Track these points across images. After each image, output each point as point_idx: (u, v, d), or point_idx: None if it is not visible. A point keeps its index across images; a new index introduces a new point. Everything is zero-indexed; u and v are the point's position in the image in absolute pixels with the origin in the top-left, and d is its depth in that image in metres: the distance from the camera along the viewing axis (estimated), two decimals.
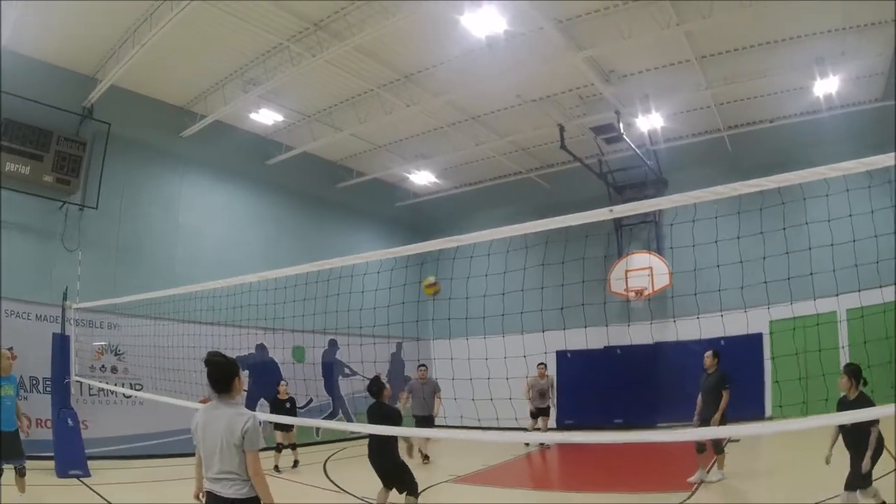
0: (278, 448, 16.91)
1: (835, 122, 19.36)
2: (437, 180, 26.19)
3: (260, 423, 5.97)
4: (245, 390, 19.38)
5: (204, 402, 7.47)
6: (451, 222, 28.26)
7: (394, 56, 17.42)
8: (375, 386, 10.44)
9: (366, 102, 19.88)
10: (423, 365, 18.54)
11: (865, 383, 9.04)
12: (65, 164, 17.71)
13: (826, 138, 19.44)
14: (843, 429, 9.00)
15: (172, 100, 20.31)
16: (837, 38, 16.05)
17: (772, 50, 16.62)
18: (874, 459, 8.58)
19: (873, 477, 8.68)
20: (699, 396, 13.42)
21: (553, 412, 20.60)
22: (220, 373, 5.88)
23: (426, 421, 17.55)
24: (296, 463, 17.30)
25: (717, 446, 13.14)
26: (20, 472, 11.04)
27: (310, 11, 15.49)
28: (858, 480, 8.71)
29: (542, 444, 19.72)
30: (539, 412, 19.97)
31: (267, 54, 17.35)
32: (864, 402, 8.76)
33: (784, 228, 9.80)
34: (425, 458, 17.35)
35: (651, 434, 6.17)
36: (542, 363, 19.34)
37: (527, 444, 19.56)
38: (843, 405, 9.00)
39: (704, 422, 12.85)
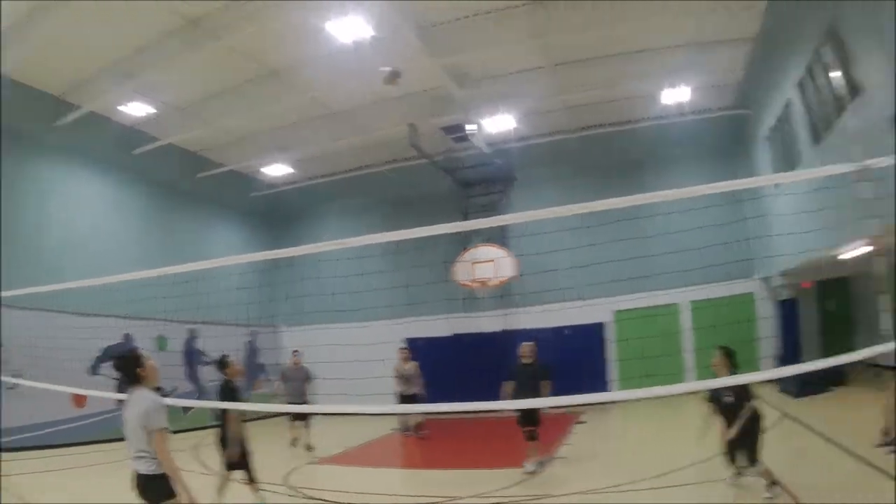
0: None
1: (683, 127, 21.13)
2: (292, 171, 26.51)
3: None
4: (114, 377, 19.56)
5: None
6: (304, 212, 28.86)
7: (263, 54, 17.90)
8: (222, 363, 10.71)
9: (232, 96, 20.21)
10: (297, 351, 18.34)
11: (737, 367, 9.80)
12: None
13: (672, 142, 20.90)
14: (722, 408, 9.78)
15: (49, 88, 19.79)
16: (689, 51, 17.45)
17: (625, 60, 17.90)
18: (753, 435, 9.44)
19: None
20: (513, 385, 13.48)
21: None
22: (125, 368, 6.73)
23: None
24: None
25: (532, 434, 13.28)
26: None
27: (187, 9, 15.68)
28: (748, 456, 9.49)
29: (410, 431, 19.10)
30: (405, 399, 18.24)
31: (143, 48, 17.36)
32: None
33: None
34: (308, 448, 17.24)
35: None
36: (403, 347, 19.03)
37: (400, 430, 19.49)
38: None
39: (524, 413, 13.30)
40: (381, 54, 16.66)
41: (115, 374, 16.72)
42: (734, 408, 9.53)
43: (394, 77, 16.72)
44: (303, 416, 17.49)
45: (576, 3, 15.26)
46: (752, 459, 9.39)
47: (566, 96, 19.14)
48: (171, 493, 6.33)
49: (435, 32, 16.48)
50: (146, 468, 6.33)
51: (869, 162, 5.16)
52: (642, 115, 21.10)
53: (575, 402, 6.23)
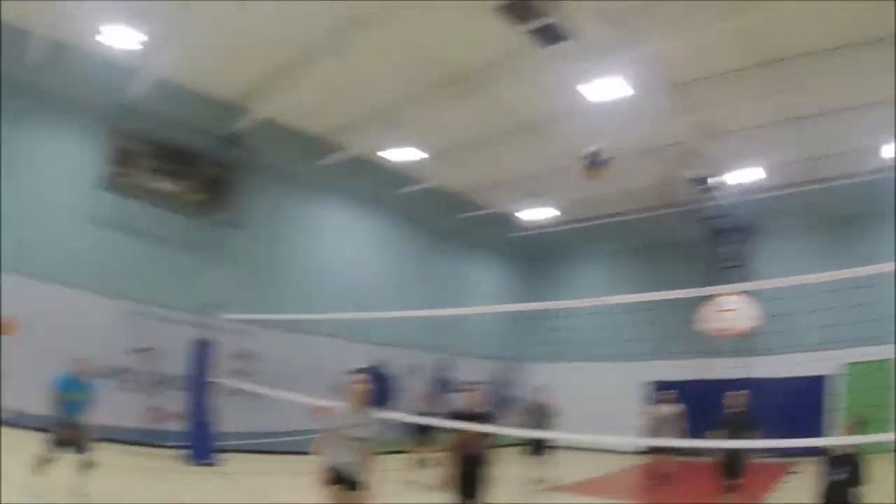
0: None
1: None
2: (550, 216, 27.58)
3: None
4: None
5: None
6: (560, 254, 29.75)
7: (521, 106, 19.13)
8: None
9: (494, 144, 21.50)
10: (539, 387, 18.47)
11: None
12: (215, 185, 20.09)
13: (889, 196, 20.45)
14: None
15: (315, 131, 22.03)
16: None
17: (857, 113, 17.77)
18: None
19: None
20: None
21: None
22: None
23: (538, 444, 17.47)
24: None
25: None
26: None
27: (450, 63, 17.25)
28: None
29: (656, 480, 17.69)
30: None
31: (407, 97, 18.96)
32: None
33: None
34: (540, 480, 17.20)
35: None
36: (665, 390, 18.24)
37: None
38: None
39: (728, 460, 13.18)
40: (636, 110, 17.61)
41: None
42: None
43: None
44: (540, 451, 17.47)
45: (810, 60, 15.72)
46: None
47: (807, 150, 19.25)
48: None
49: (685, 90, 17.25)
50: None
51: None
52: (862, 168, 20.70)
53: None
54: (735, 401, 13.75)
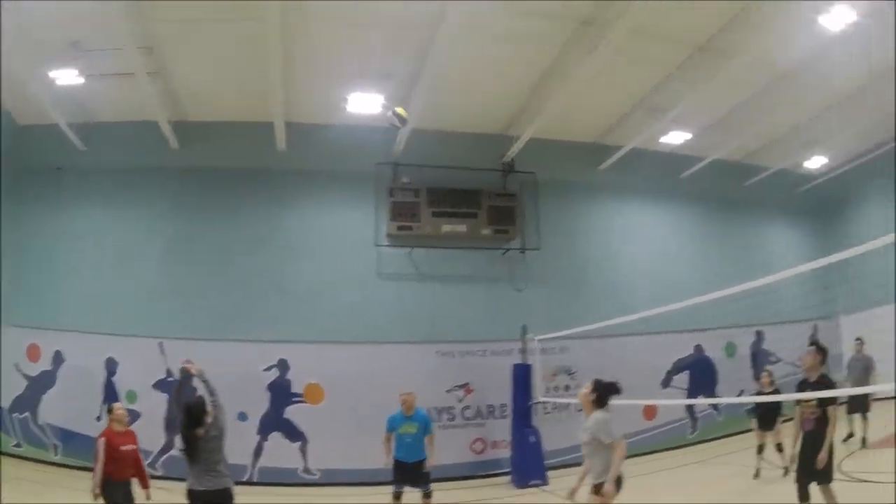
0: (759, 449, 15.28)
1: None
2: (827, 161, 26.48)
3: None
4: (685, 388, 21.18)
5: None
6: (847, 197, 28.51)
7: (771, 61, 18.49)
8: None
9: (756, 102, 21.00)
10: (859, 338, 18.39)
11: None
12: (499, 216, 20.73)
13: None
14: None
15: (584, 138, 22.57)
16: None
17: None
18: None
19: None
20: None
21: None
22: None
23: (859, 400, 16.91)
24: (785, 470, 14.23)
25: None
26: (426, 495, 12.81)
27: (691, 38, 17.11)
28: None
29: None
30: None
31: (662, 83, 19.09)
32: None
33: None
34: (863, 441, 17.08)
35: None
36: None
37: None
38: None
39: None
40: (868, 35, 16.59)
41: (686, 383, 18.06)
42: None
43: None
44: (863, 410, 17.07)
45: None
46: None
47: None
48: None
49: None
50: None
51: None
52: None
53: None
54: None
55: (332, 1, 13.76)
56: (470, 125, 20.60)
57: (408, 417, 12.91)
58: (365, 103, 17.27)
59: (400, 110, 14.68)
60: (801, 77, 19.38)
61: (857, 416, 17.20)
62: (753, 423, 15.80)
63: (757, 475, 14.76)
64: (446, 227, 19.93)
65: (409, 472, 12.70)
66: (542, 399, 18.50)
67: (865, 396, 16.70)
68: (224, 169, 18.47)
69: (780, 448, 14.70)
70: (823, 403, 9.10)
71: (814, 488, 9.25)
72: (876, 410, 17.02)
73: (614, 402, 8.82)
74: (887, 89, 20.15)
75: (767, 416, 15.10)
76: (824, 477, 8.96)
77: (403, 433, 12.85)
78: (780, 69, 19.13)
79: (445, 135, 20.33)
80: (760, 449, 15.06)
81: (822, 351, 9.51)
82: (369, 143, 19.31)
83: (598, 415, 8.61)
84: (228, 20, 13.96)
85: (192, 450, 8.32)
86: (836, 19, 15.66)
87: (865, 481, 12.32)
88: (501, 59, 16.86)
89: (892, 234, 7.69)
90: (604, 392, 8.83)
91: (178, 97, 17.55)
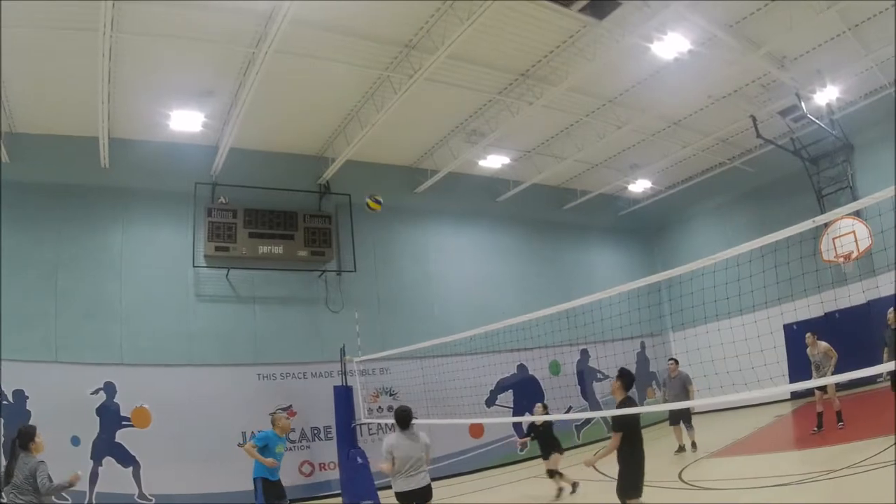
0: (550, 474, 15.59)
1: None
2: (651, 185, 27.70)
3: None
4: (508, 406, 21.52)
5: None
6: (669, 220, 29.83)
7: (595, 87, 19.16)
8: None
9: (579, 130, 21.81)
10: (673, 359, 19.46)
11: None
12: (315, 237, 20.64)
13: None
14: None
15: (401, 161, 23.07)
16: None
17: None
18: None
19: None
20: (885, 351, 14.71)
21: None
22: (405, 415, 10.60)
23: (682, 413, 18.44)
24: (573, 486, 15.27)
25: None
26: None
27: (514, 65, 17.49)
28: None
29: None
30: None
31: (483, 108, 19.54)
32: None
33: None
34: (693, 445, 18.32)
35: None
36: (810, 332, 17.32)
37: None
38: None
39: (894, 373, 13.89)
40: (703, 60, 17.55)
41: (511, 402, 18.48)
42: None
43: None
44: (685, 420, 18.46)
45: None
46: None
47: (872, 53, 18.75)
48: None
49: (742, 27, 16.93)
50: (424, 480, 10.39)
51: None
52: None
53: None
54: (891, 317, 14.93)
55: (158, 12, 13.43)
56: (288, 146, 20.70)
57: (280, 438, 13.31)
58: (187, 120, 17.24)
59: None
60: (628, 103, 20.16)
61: (682, 428, 18.46)
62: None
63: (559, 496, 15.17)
64: (263, 249, 19.72)
65: (280, 488, 13.12)
66: (364, 420, 18.49)
67: (688, 410, 18.41)
68: (51, 184, 17.61)
69: (551, 475, 15.38)
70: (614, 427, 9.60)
71: None
72: (703, 422, 17.90)
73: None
74: (718, 116, 21.09)
75: (543, 444, 15.82)
76: (623, 494, 9.39)
77: (279, 452, 13.11)
78: (606, 95, 19.77)
79: (264, 155, 20.38)
80: (550, 474, 15.48)
81: (624, 376, 9.90)
82: (190, 162, 19.09)
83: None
84: (55, 28, 13.43)
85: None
86: (669, 48, 16.35)
87: (708, 489, 13.01)
88: (322, 80, 16.95)
89: (713, 258, 8.15)
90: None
91: (9, 108, 16.80)
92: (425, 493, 10.42)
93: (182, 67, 15.48)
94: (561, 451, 15.58)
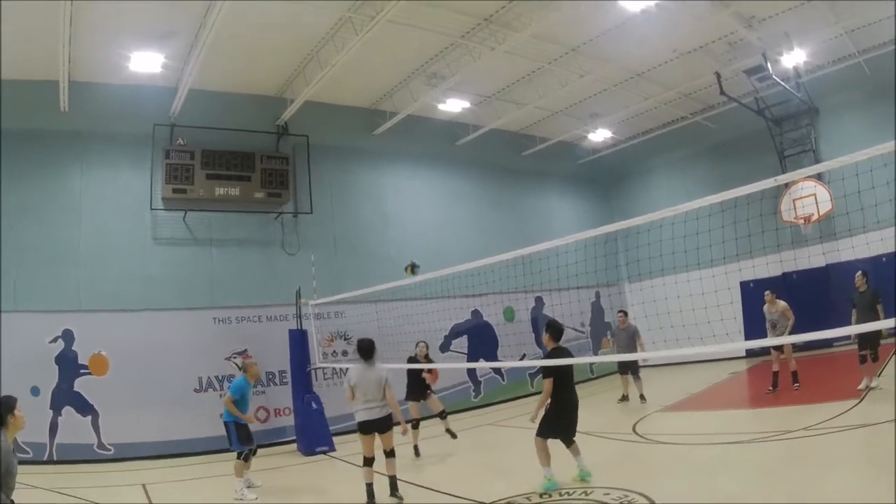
0: (414, 424, 15.22)
1: None
2: (612, 135, 28.03)
3: None
4: (463, 352, 21.73)
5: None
6: (629, 171, 30.09)
7: (560, 34, 19.15)
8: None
9: (541, 77, 21.82)
10: (623, 311, 19.97)
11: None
12: (272, 179, 20.65)
13: None
14: None
15: (360, 103, 22.96)
16: None
17: None
18: None
19: None
20: (853, 313, 15.16)
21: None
22: (367, 347, 11.12)
23: (630, 363, 19.02)
24: (451, 434, 15.41)
25: (874, 355, 14.55)
26: (252, 453, 13.33)
27: (477, 8, 17.39)
28: None
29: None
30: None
31: (445, 51, 19.45)
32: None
33: None
34: (641, 397, 18.77)
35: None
36: (768, 289, 17.47)
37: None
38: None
39: (862, 336, 14.33)
40: (670, 13, 17.57)
41: (466, 348, 18.71)
42: None
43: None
44: (633, 371, 18.96)
45: None
46: None
47: (844, 22, 18.93)
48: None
49: None
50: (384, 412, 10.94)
51: None
52: None
53: None
54: (859, 281, 15.35)
55: None
56: (247, 87, 20.57)
57: (251, 384, 13.70)
58: (147, 62, 17.12)
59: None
60: (592, 53, 20.19)
61: (630, 378, 19.06)
62: None
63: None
64: (220, 191, 19.68)
65: (249, 432, 13.30)
66: (319, 365, 18.66)
67: (635, 361, 18.73)
68: (9, 130, 17.24)
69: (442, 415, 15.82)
70: (543, 374, 10.67)
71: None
72: (657, 375, 18.21)
73: (390, 366, 11.39)
74: (682, 70, 21.20)
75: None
76: (539, 432, 10.55)
77: (249, 398, 13.64)
78: (570, 44, 19.82)
79: (222, 95, 20.21)
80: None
81: (552, 327, 10.95)
82: (149, 104, 18.92)
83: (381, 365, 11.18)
84: None
85: None
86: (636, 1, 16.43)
87: (661, 443, 13.32)
88: (281, 20, 16.81)
89: (671, 209, 8.30)
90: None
91: None
92: (384, 423, 10.95)
93: (143, 8, 15.27)
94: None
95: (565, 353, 10.81)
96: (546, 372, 10.50)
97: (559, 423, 10.39)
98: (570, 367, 10.57)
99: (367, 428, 10.91)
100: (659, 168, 29.63)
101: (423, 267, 16.74)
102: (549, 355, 10.80)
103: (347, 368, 11.97)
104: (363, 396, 10.88)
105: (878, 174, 9.43)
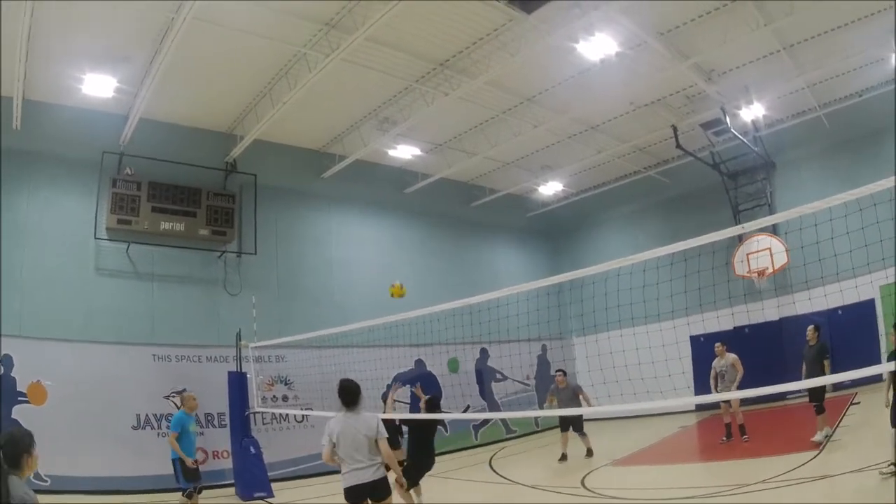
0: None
1: None
2: (563, 188, 28.18)
3: None
4: (404, 402, 21.52)
5: None
6: (579, 224, 30.24)
7: (516, 83, 19.38)
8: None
9: (494, 126, 22.02)
10: (561, 370, 19.43)
11: None
12: (217, 217, 20.53)
13: None
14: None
15: (310, 144, 23.01)
16: None
17: (851, 29, 17.66)
18: None
19: None
20: (803, 367, 15.11)
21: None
22: (351, 389, 8.57)
23: (573, 421, 18.67)
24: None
25: (820, 407, 14.58)
26: (198, 492, 13.40)
27: (434, 53, 17.53)
28: None
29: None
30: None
31: (398, 95, 19.53)
32: None
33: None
34: (588, 451, 18.46)
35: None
36: (718, 342, 17.67)
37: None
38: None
39: (809, 389, 14.42)
40: (629, 65, 17.84)
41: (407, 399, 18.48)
42: None
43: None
44: (577, 428, 18.58)
45: None
46: None
47: (805, 75, 19.17)
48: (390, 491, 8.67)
49: (673, 36, 17.31)
50: (372, 475, 8.34)
51: None
52: (876, 81, 20.60)
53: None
54: (811, 334, 15.36)
55: None
56: (198, 120, 20.45)
57: (190, 417, 13.73)
58: (99, 85, 16.86)
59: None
60: (547, 103, 20.40)
61: (574, 435, 18.58)
62: None
63: None
64: (165, 225, 19.51)
65: (196, 470, 13.29)
66: (258, 409, 18.42)
67: (580, 417, 18.53)
68: None
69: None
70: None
71: None
72: (604, 430, 18.05)
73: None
74: (638, 124, 21.33)
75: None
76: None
77: (192, 431, 13.59)
78: (526, 93, 19.96)
79: (173, 128, 20.07)
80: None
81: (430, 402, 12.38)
82: (100, 129, 18.64)
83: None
84: None
85: None
86: (596, 49, 16.52)
87: (613, 498, 12.95)
88: (239, 53, 16.84)
89: (620, 261, 8.18)
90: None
91: None
92: (378, 487, 8.41)
93: (101, 30, 15.15)
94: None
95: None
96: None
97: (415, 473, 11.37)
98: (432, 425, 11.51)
99: (355, 496, 8.36)
100: (610, 222, 29.90)
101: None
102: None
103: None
104: (348, 455, 8.32)
105: (837, 224, 9.44)
